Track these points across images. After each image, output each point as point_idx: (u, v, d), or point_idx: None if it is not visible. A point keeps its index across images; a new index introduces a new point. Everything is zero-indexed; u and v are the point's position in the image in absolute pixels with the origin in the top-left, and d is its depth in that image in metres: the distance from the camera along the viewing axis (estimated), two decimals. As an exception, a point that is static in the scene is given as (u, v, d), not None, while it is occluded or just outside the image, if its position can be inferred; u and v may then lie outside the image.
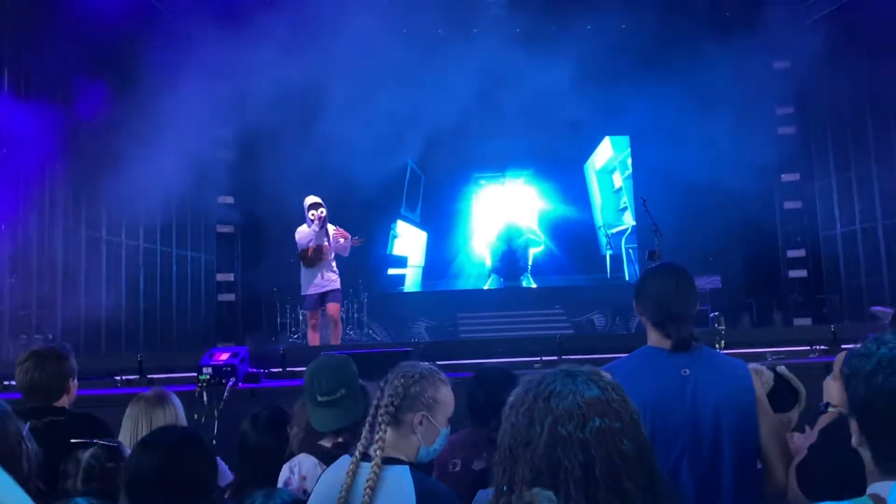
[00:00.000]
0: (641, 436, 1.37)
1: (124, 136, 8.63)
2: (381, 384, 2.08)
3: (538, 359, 5.60)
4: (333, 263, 7.41)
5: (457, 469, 2.74)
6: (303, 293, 7.42)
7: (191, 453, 1.99)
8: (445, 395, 2.14)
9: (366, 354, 4.54)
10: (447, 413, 2.15)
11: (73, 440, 2.41)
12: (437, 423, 2.10)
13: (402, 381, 2.05)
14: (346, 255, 7.52)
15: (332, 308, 7.29)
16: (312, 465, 2.49)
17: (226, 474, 2.85)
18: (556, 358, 5.66)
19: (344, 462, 2.05)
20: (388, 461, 1.99)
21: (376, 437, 1.99)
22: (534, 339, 6.81)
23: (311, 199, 7.22)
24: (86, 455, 2.35)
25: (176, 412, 2.92)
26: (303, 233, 7.21)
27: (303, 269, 7.35)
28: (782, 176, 11.61)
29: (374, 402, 2.06)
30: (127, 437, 2.81)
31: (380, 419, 2.00)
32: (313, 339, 7.37)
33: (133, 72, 8.97)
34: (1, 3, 7.92)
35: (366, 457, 2.00)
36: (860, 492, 1.33)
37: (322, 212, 7.11)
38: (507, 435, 1.36)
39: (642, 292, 2.50)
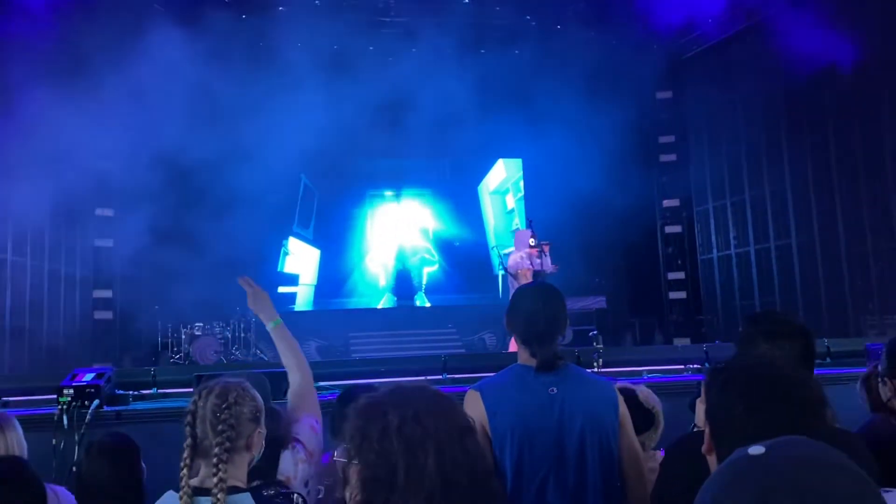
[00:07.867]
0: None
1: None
2: (188, 415, 1.96)
3: (423, 378, 5.56)
4: None
5: (321, 496, 2.63)
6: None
7: (8, 486, 1.83)
8: (260, 400, 2.09)
9: (246, 375, 4.36)
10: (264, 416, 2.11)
11: None
12: (263, 430, 2.06)
13: (228, 409, 1.94)
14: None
15: None
16: None
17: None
18: (441, 377, 5.64)
19: (170, 498, 1.92)
20: (228, 491, 1.89)
21: (215, 471, 1.86)
22: (420, 359, 6.77)
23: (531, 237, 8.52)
24: None
25: (10, 439, 2.68)
26: (520, 258, 8.24)
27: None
28: (664, 201, 12.15)
29: (189, 433, 1.93)
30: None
31: (217, 456, 1.88)
32: None
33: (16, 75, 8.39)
34: None
35: (199, 491, 1.87)
36: None
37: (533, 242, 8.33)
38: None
39: (513, 310, 2.50)
